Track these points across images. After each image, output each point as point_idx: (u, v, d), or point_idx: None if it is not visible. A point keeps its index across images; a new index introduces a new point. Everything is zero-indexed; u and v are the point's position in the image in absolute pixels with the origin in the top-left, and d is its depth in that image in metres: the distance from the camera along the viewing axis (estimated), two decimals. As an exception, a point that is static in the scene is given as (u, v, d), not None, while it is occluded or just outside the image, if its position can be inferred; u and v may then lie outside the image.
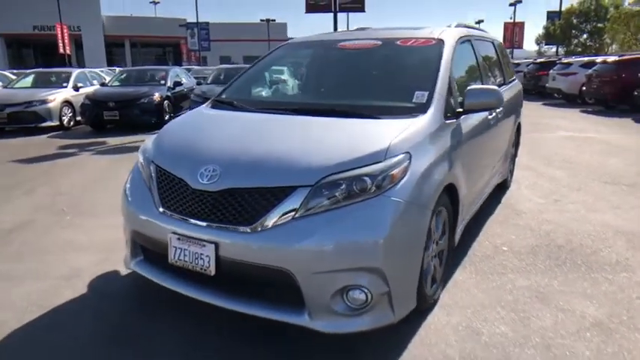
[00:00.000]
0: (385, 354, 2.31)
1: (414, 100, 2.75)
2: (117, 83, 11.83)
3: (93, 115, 10.23)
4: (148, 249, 2.68)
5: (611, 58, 14.98)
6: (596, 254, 3.47)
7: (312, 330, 2.15)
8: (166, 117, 10.80)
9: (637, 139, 8.58)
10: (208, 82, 11.66)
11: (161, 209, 2.44)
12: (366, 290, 2.10)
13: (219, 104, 3.33)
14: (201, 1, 40.20)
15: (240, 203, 2.21)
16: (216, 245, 2.21)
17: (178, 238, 2.32)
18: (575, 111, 13.70)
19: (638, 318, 2.60)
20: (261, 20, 52.79)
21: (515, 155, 5.41)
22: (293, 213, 2.12)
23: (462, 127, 2.95)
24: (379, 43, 3.32)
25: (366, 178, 2.15)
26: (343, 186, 2.14)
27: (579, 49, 36.28)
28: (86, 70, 13.70)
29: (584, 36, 37.06)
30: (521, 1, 37.19)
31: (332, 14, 15.62)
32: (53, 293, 2.99)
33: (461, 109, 2.92)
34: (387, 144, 2.28)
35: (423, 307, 2.55)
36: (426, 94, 2.75)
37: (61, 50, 30.32)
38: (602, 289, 2.94)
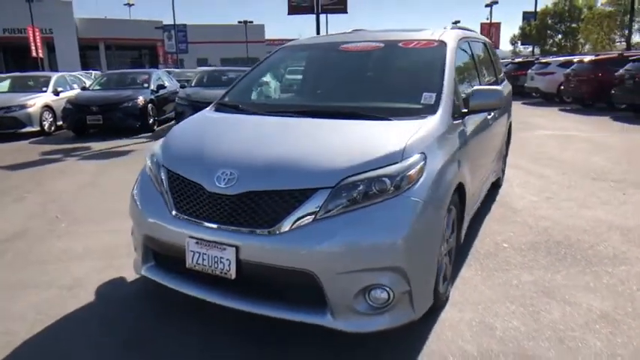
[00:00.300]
0: (404, 351, 2.35)
1: (422, 102, 2.80)
2: (98, 87, 11.60)
3: (75, 119, 10.02)
4: (160, 254, 2.66)
5: (588, 58, 15.44)
6: (593, 249, 3.58)
7: (335, 330, 2.17)
8: (150, 120, 10.67)
9: (617, 137, 8.86)
10: (192, 84, 11.55)
11: (176, 213, 2.43)
12: (388, 289, 2.13)
13: (223, 107, 3.32)
14: (177, 3, 39.82)
15: (260, 206, 2.22)
16: (237, 248, 2.21)
17: (196, 242, 2.31)
18: (553, 109, 14.06)
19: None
20: (239, 22, 52.53)
21: (506, 154, 5.53)
22: (314, 215, 2.14)
23: (466, 127, 3.01)
24: (381, 45, 3.36)
25: (386, 179, 2.18)
26: (362, 187, 2.17)
27: (554, 49, 37.29)
28: (66, 73, 13.39)
29: (559, 36, 38.16)
30: (497, 2, 38.04)
31: (313, 16, 15.74)
32: (59, 303, 2.93)
33: (465, 110, 2.98)
34: (402, 145, 2.32)
35: (438, 305, 2.60)
36: (434, 95, 2.80)
37: (34, 54, 29.59)
38: (604, 282, 3.04)
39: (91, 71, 19.99)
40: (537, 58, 21.15)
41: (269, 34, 61.17)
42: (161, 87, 11.46)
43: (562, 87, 15.27)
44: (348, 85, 3.24)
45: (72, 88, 12.23)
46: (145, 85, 11.28)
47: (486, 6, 38.48)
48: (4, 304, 2.93)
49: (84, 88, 11.57)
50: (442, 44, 3.23)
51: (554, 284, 3.01)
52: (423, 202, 2.22)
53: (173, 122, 12.00)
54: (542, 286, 2.99)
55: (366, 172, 2.19)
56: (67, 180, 6.35)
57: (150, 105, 10.59)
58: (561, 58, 18.18)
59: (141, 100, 10.26)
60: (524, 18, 35.48)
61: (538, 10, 35.77)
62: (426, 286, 2.32)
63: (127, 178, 6.30)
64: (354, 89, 3.17)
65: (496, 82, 4.63)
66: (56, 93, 11.32)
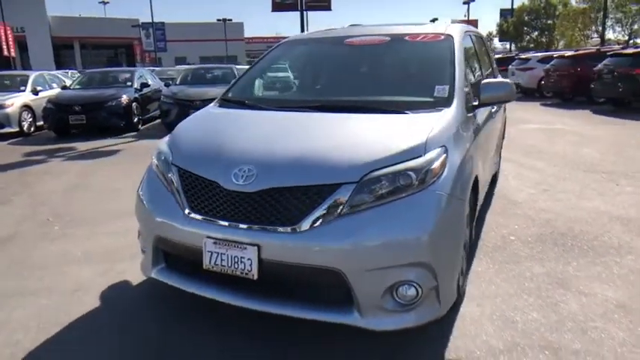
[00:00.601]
0: (429, 346, 2.32)
1: (435, 95, 2.76)
2: (79, 86, 11.28)
3: (57, 119, 9.72)
4: (172, 256, 2.56)
5: (568, 53, 15.75)
6: (598, 239, 3.62)
7: (363, 329, 2.12)
8: (135, 119, 10.42)
9: (601, 130, 9.05)
10: (177, 82, 11.34)
11: (190, 213, 2.34)
12: (416, 285, 2.09)
13: (228, 103, 3.23)
14: (154, 1, 39.06)
15: (282, 203, 2.15)
16: (259, 247, 2.14)
17: (214, 242, 2.23)
18: (535, 104, 14.29)
19: (655, 297, 2.73)
20: (218, 20, 51.92)
21: (501, 147, 5.57)
22: (338, 211, 2.08)
23: (477, 120, 3.00)
24: (387, 39, 3.31)
25: (411, 173, 2.14)
26: (387, 182, 2.12)
27: (532, 45, 38.06)
28: (45, 72, 12.97)
29: (536, 33, 38.91)
30: (474, 0, 38.60)
31: (290, 13, 15.59)
32: (63, 310, 2.80)
33: (476, 103, 2.96)
34: (424, 138, 2.28)
35: (457, 300, 2.57)
36: (447, 87, 2.77)
37: (5, 53, 28.61)
38: (615, 271, 3.07)
39: (68, 71, 19.43)
40: (517, 54, 21.46)
41: (248, 33, 60.76)
42: (145, 85, 11.21)
43: (542, 82, 15.54)
44: (357, 79, 3.19)
45: (51, 88, 11.87)
46: (129, 83, 11.02)
47: (464, 3, 39.03)
48: (3, 314, 2.79)
49: (64, 87, 11.24)
50: (449, 37, 3.20)
51: (567, 275, 3.02)
52: (447, 195, 2.18)
53: (159, 121, 11.81)
54: (556, 278, 2.99)
55: (389, 166, 2.14)
56: (54, 181, 6.14)
57: (134, 104, 10.35)
58: (540, 54, 18.49)
59: (125, 98, 10.01)
60: (501, 15, 36.12)
61: (515, 7, 36.49)
62: (452, 281, 2.29)
63: (116, 178, 6.17)
64: (364, 83, 3.12)
65: (492, 75, 4.64)
66: (35, 92, 10.96)
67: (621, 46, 22.88)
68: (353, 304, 2.12)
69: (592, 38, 36.51)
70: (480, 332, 2.43)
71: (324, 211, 2.09)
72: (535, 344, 2.31)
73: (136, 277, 3.18)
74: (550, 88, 15.04)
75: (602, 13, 26.91)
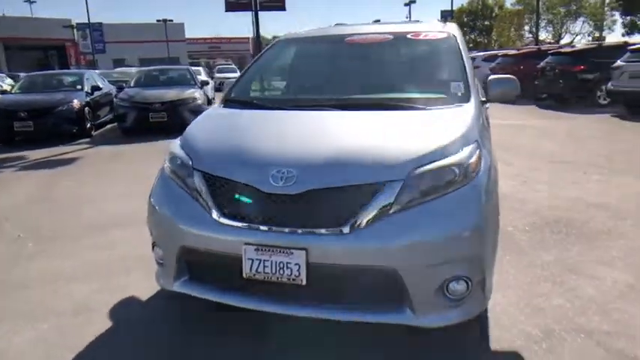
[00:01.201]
0: (470, 339, 2.34)
1: (452, 91, 2.80)
2: (19, 90, 10.45)
3: (0, 126, 8.94)
4: (196, 267, 2.42)
5: (512, 52, 16.61)
6: (587, 226, 3.83)
7: (416, 327, 2.10)
8: (88, 125, 9.82)
9: (553, 123, 9.64)
10: (131, 85, 10.81)
11: (222, 219, 2.21)
12: (466, 279, 2.10)
13: (234, 104, 3.10)
14: (83, 1, 36.72)
15: (328, 204, 2.09)
16: (306, 251, 2.06)
17: (256, 249, 2.13)
18: (484, 101, 14.94)
19: (657, 277, 2.92)
20: (158, 20, 50.03)
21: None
22: (387, 209, 2.05)
23: (485, 115, 3.08)
24: (390, 37, 3.32)
25: (454, 168, 2.15)
26: (432, 178, 2.12)
27: (471, 45, 39.99)
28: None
29: (475, 33, 40.92)
30: (415, 1, 39.84)
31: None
32: (71, 333, 2.57)
33: (483, 99, 3.04)
34: (459, 133, 2.30)
35: None
36: (461, 84, 2.82)
37: None
38: (613, 254, 3.27)
39: (2, 74, 17.97)
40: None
41: (189, 33, 58.91)
42: (96, 88, 10.59)
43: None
44: (368, 76, 3.17)
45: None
46: (78, 86, 10.35)
47: (405, 5, 40.17)
48: (1, 342, 2.52)
49: (4, 92, 10.38)
50: (452, 36, 3.26)
51: (573, 261, 3.17)
52: (486, 188, 2.21)
53: (111, 126, 11.21)
54: (565, 264, 3.13)
55: (433, 162, 2.14)
56: (13, 194, 5.64)
57: (86, 108, 9.74)
58: (484, 53, 19.41)
59: (76, 103, 9.39)
60: (442, 16, 37.50)
61: (455, 8, 38.06)
62: (492, 273, 2.33)
63: (84, 188, 5.77)
64: (376, 81, 3.10)
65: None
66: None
67: (568, 44, 24.46)
68: (404, 303, 2.09)
69: (527, 38, 38.99)
70: (514, 321, 2.49)
71: (374, 210, 2.05)
72: (569, 329, 2.40)
73: (141, 291, 2.99)
74: (495, 85, 15.77)
75: (535, 14, 28.86)
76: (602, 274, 2.99)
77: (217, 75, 27.47)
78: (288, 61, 3.55)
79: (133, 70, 17.08)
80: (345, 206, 2.07)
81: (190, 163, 2.45)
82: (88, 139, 9.59)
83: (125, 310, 2.81)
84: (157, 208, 2.54)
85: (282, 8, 14.93)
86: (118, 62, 41.43)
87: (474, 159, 2.23)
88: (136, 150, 8.36)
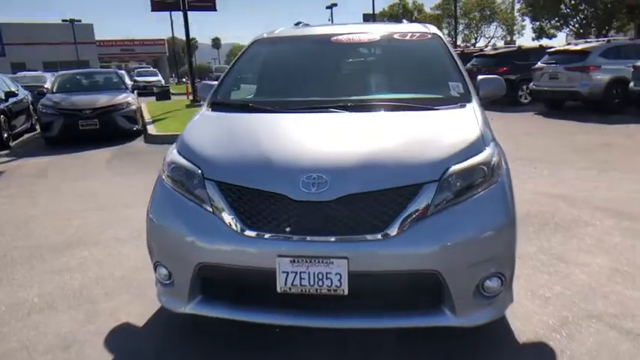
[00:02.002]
0: (493, 333, 2.39)
1: (452, 91, 2.85)
2: None
3: None
4: (214, 284, 2.23)
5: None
6: (556, 217, 4.09)
7: (456, 327, 2.10)
8: (5, 135, 8.81)
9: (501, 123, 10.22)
10: (54, 91, 9.87)
11: (250, 232, 2.05)
12: (500, 276, 2.13)
13: (224, 107, 2.91)
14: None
15: (365, 209, 2.01)
16: (347, 260, 1.97)
17: (292, 261, 2.00)
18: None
19: (636, 261, 3.18)
20: (64, 21, 46.34)
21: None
22: (425, 211, 2.03)
23: None
24: (377, 37, 3.31)
25: (483, 167, 2.17)
26: (464, 177, 2.12)
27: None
28: None
29: (396, 36, 42.72)
30: (336, 4, 40.54)
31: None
32: (66, 369, 2.25)
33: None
34: (479, 132, 2.34)
35: None
36: (460, 84, 2.87)
37: None
38: (588, 242, 3.52)
39: None
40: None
41: (99, 35, 55.14)
42: (10, 95, 9.54)
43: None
44: (367, 77, 3.13)
45: None
46: (-10, 93, 9.26)
47: (327, 7, 40.79)
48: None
49: None
50: (437, 36, 3.32)
51: (557, 250, 3.37)
52: (509, 185, 2.27)
53: (29, 135, 10.17)
54: (550, 253, 3.32)
55: (463, 161, 2.15)
56: None
57: (2, 117, 8.73)
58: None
59: (-9, 111, 8.39)
60: (364, 20, 38.64)
61: (376, 12, 39.40)
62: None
63: (21, 207, 5.12)
64: (373, 81, 3.07)
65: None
66: None
67: (483, 47, 26.17)
68: (443, 305, 2.08)
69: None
70: (529, 312, 2.58)
71: (412, 213, 2.01)
72: (581, 315, 2.53)
73: (134, 317, 2.71)
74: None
75: (453, 19, 30.78)
76: (587, 260, 3.20)
77: (137, 79, 26.09)
78: (275, 61, 3.40)
79: (45, 74, 15.65)
80: (383, 210, 2.01)
81: (199, 172, 2.25)
82: (6, 152, 8.60)
83: (121, 337, 2.52)
84: (161, 224, 2.31)
85: (213, 8, 14.45)
86: (18, 66, 37.64)
87: (497, 157, 2.28)
88: (66, 162, 7.62)
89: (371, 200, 2.03)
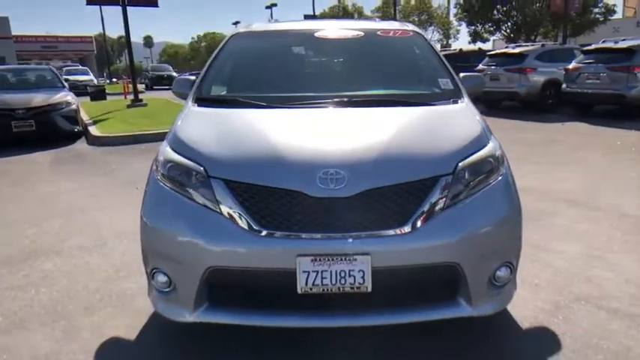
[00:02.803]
0: (496, 322, 2.45)
1: (442, 87, 2.89)
2: None
3: None
4: (223, 289, 2.11)
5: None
6: (524, 208, 4.28)
7: (471, 317, 2.12)
8: None
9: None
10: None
11: (266, 231, 1.96)
12: (510, 265, 2.20)
13: (212, 103, 2.76)
14: None
15: (385, 204, 1.99)
16: (370, 256, 1.94)
17: (313, 260, 1.93)
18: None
19: (605, 245, 3.41)
20: (-26, 13, 42.31)
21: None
22: (442, 204, 2.04)
23: None
24: (361, 33, 3.30)
25: (490, 159, 2.22)
26: (475, 170, 2.16)
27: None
28: None
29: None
30: (276, 4, 40.40)
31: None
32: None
33: None
34: (481, 127, 2.39)
35: None
36: (449, 80, 2.93)
37: None
38: (558, 231, 3.73)
39: None
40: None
41: (15, 29, 50.86)
42: None
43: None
44: (353, 73, 3.08)
45: None
46: None
47: (267, 7, 40.56)
48: None
49: None
50: (418, 33, 3.37)
51: (533, 239, 3.52)
52: (512, 177, 2.35)
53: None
54: (527, 243, 3.42)
55: (472, 154, 2.19)
56: None
57: None
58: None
59: None
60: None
61: (317, 13, 39.72)
62: (519, 257, 2.45)
63: None
64: (364, 77, 3.02)
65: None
66: None
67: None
68: (459, 296, 2.10)
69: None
70: (524, 299, 2.67)
71: (430, 206, 2.01)
72: (572, 298, 2.67)
73: (123, 330, 2.50)
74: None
75: (392, 22, 31.78)
76: (563, 248, 3.39)
77: (66, 77, 24.36)
78: (260, 56, 3.28)
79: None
80: (403, 205, 2.00)
81: (202, 169, 2.11)
82: None
83: (117, 356, 2.32)
84: (160, 227, 2.16)
85: (154, 4, 13.83)
86: None
87: (500, 150, 2.34)
88: (1, 167, 6.94)
89: (391, 195, 2.00)
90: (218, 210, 2.03)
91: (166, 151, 2.33)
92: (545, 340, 2.32)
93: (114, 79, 53.16)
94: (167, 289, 2.17)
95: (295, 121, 2.42)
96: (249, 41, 3.40)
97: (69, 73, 25.75)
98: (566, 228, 3.77)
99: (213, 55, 3.25)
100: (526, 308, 2.58)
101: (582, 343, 2.26)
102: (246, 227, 1.98)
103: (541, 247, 3.39)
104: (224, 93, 3.02)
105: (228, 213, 2.01)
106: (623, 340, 2.28)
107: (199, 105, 2.78)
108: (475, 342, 2.34)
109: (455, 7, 32.53)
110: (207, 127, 2.44)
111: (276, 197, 2.00)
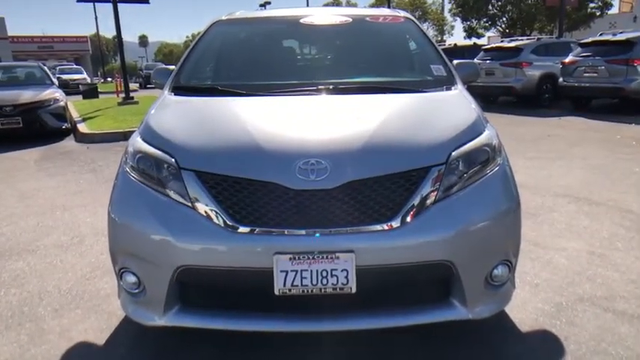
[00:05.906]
0: (496, 324, 2.29)
1: (435, 74, 2.72)
2: None
3: None
4: (199, 291, 1.94)
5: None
6: (522, 204, 4.12)
7: (467, 320, 1.95)
8: None
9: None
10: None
11: (242, 228, 1.79)
12: (508, 263, 2.02)
13: (189, 92, 2.59)
14: None
15: (371, 197, 1.81)
16: (354, 254, 1.76)
17: (291, 258, 1.75)
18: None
19: (608, 242, 3.25)
20: (-31, 12, 42.00)
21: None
22: (434, 197, 1.86)
23: None
24: (349, 20, 3.12)
25: (486, 148, 2.05)
26: (469, 159, 1.99)
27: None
28: None
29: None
30: (270, 2, 40.19)
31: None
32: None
33: None
34: (476, 114, 2.23)
35: None
36: (441, 67, 2.76)
37: None
38: (559, 227, 3.56)
39: None
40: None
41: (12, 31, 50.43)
42: None
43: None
44: (341, 59, 2.92)
45: None
46: None
47: (261, 6, 40.34)
48: None
49: None
50: (409, 19, 3.20)
51: (532, 236, 3.37)
52: (511, 168, 2.18)
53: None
54: (528, 241, 3.28)
55: (467, 143, 2.01)
56: None
57: None
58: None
59: None
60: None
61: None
62: (517, 254, 2.29)
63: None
64: (352, 63, 2.85)
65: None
66: None
67: None
68: (453, 298, 1.93)
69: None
70: (524, 300, 2.50)
71: (421, 200, 1.84)
72: (573, 299, 2.50)
73: (91, 334, 2.34)
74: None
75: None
76: (564, 245, 3.22)
77: (60, 76, 24.11)
78: (241, 43, 3.11)
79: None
80: (390, 198, 1.82)
81: (173, 161, 1.94)
82: None
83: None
84: (127, 223, 1.98)
85: (145, 1, 13.61)
86: None
87: (496, 139, 2.17)
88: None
89: (377, 187, 1.83)
90: (189, 204, 1.86)
91: (136, 141, 2.16)
92: (547, 345, 2.14)
93: (108, 78, 52.90)
94: (136, 290, 2.00)
95: (276, 109, 2.25)
96: (231, 28, 3.22)
97: (62, 72, 25.55)
98: (566, 224, 3.61)
99: (193, 43, 3.07)
100: (525, 309, 2.42)
101: (588, 348, 2.09)
102: (218, 223, 1.80)
103: (541, 245, 3.22)
104: (204, 82, 2.84)
105: (200, 207, 1.84)
106: (633, 345, 2.11)
107: (176, 94, 2.61)
108: (467, 345, 2.17)
109: (449, 3, 32.34)
110: (181, 116, 2.26)
111: (252, 190, 1.82)
